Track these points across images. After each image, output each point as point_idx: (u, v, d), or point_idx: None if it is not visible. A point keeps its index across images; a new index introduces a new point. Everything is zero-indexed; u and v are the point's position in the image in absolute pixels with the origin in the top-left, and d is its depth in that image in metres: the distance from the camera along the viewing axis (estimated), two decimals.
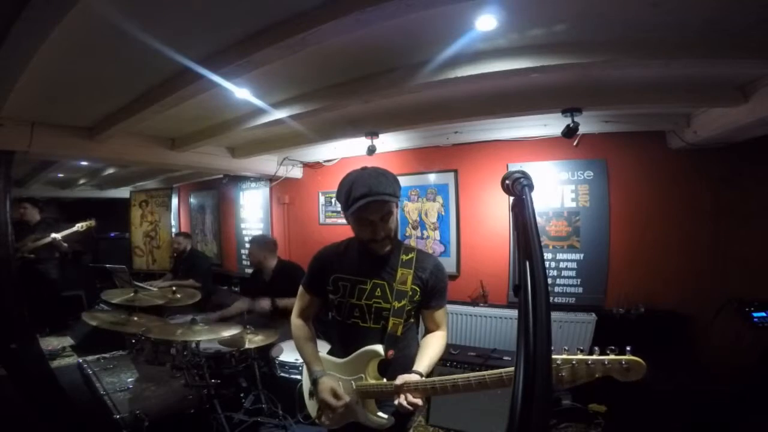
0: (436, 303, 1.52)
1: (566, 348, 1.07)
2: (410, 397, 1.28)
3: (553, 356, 1.02)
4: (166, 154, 3.68)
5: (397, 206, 1.44)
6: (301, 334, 1.63)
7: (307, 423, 2.64)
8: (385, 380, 1.42)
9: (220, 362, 2.92)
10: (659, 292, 2.99)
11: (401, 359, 1.48)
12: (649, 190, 3.07)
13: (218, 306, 3.78)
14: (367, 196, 1.31)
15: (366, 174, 1.38)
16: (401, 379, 1.31)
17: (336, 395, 1.43)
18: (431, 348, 1.48)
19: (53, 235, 4.22)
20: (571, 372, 1.04)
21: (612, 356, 1.01)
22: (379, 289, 1.46)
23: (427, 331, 1.57)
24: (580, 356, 1.04)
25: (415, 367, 1.38)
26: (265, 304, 3.22)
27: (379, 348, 1.41)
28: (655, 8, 1.50)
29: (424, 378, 1.34)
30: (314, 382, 1.51)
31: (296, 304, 1.67)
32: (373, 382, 1.43)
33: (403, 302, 1.43)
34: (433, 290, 1.50)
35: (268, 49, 1.67)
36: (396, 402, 1.30)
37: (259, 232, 5.14)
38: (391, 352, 1.42)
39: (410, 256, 1.49)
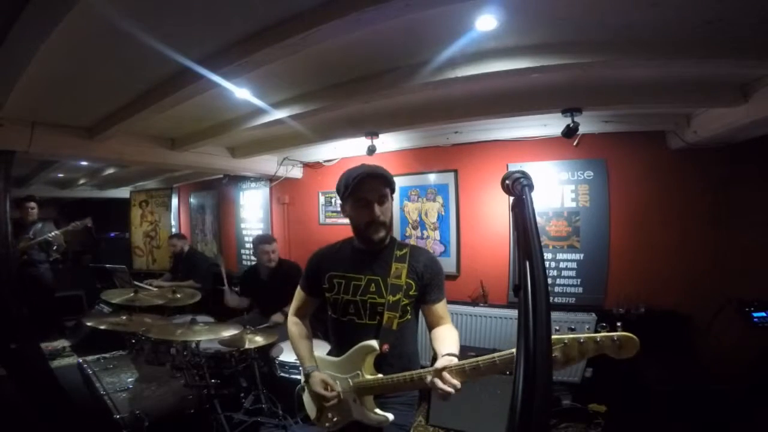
0: (435, 296, 1.51)
1: (557, 328, 1.04)
2: (449, 379, 1.19)
3: None
4: (166, 154, 3.68)
5: (392, 198, 1.50)
6: (295, 331, 1.65)
7: (306, 424, 2.64)
8: (380, 375, 1.42)
9: (220, 362, 2.91)
10: (659, 292, 2.99)
11: (397, 356, 1.47)
12: (649, 190, 3.07)
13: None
14: (365, 173, 1.41)
15: (362, 165, 1.49)
16: (442, 362, 1.24)
17: (328, 387, 1.45)
18: (449, 336, 1.42)
19: (54, 233, 4.20)
20: (564, 352, 1.02)
21: (603, 333, 1.01)
22: (373, 285, 1.47)
23: (433, 328, 1.53)
24: (571, 335, 1.02)
25: (447, 351, 1.29)
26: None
27: (373, 343, 1.41)
28: (655, 8, 1.50)
29: (459, 359, 1.26)
30: (306, 377, 1.52)
31: (293, 303, 1.70)
32: (369, 377, 1.43)
33: (398, 296, 1.44)
34: (430, 283, 1.50)
35: (268, 49, 1.67)
36: (437, 389, 1.20)
37: (259, 232, 5.14)
38: (386, 347, 1.41)
39: (404, 251, 1.51)
